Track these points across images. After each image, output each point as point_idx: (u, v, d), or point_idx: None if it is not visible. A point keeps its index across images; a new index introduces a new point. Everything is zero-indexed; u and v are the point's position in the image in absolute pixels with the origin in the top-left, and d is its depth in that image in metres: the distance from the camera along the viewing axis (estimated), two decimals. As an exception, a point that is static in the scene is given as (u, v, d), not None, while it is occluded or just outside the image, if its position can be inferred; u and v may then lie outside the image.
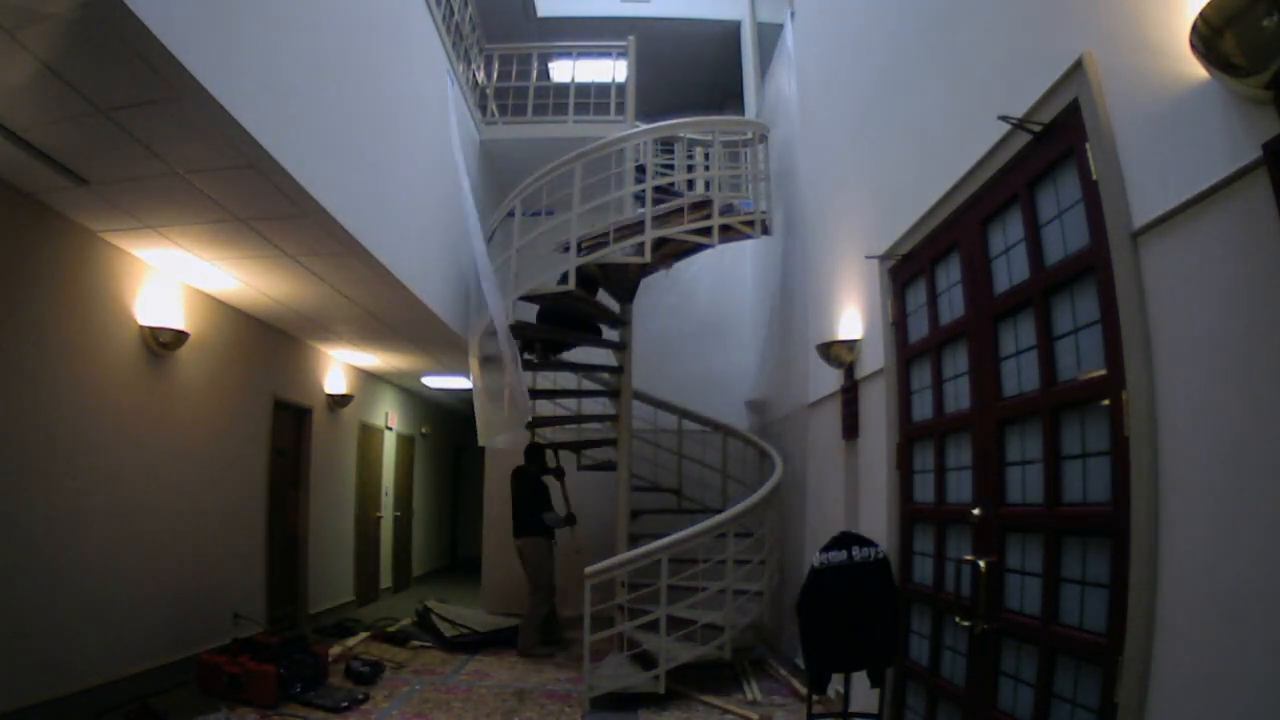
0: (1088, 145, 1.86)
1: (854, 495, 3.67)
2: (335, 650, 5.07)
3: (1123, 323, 1.73)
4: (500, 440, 5.24)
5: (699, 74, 8.34)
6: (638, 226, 4.89)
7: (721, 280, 7.17)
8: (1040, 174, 2.13)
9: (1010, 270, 2.32)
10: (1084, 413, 1.95)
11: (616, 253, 4.92)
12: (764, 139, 5.47)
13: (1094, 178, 1.84)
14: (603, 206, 4.91)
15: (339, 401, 7.18)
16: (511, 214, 4.99)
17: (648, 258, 4.87)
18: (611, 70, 6.60)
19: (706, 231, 4.95)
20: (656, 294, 6.42)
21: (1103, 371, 1.84)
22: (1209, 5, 1.32)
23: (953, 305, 2.70)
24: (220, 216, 3.66)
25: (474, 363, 5.03)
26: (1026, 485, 2.20)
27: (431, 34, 5.22)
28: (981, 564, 2.27)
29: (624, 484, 5.27)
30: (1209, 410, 1.51)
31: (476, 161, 6.33)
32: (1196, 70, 1.46)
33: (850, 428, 3.70)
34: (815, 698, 2.88)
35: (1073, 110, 1.92)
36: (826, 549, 2.68)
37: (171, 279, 4.51)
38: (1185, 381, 1.58)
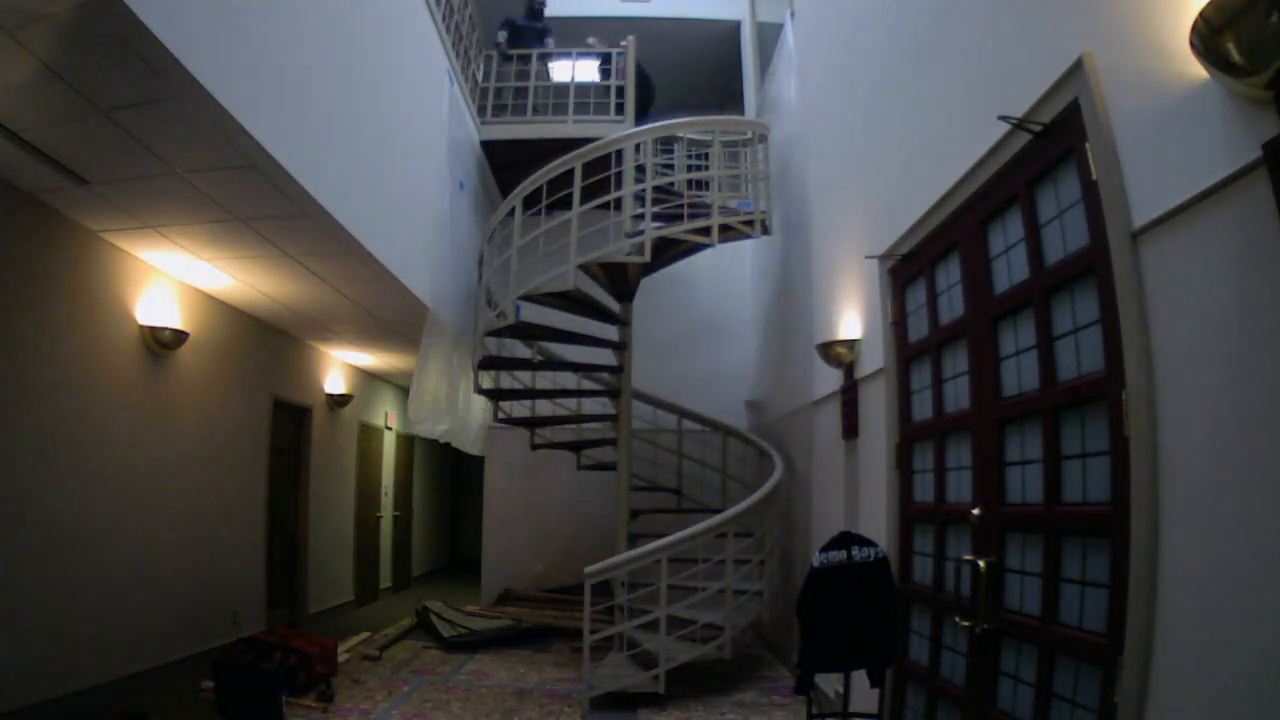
0: (1088, 145, 1.86)
1: (854, 495, 3.67)
2: (343, 648, 5.08)
3: (1123, 323, 1.73)
4: (423, 429, 5.31)
5: (699, 74, 8.33)
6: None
7: (721, 280, 7.17)
8: (1040, 174, 2.13)
9: (1010, 270, 2.32)
10: (1084, 413, 1.95)
11: (617, 252, 4.93)
12: (764, 139, 5.47)
13: (1094, 178, 1.84)
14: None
15: (339, 401, 7.19)
16: (511, 214, 4.99)
17: (647, 257, 4.87)
18: (612, 70, 6.60)
19: (706, 231, 4.95)
20: (656, 294, 6.41)
21: (1102, 371, 1.84)
22: (1209, 5, 1.32)
23: (952, 305, 2.70)
24: (220, 216, 3.66)
25: (427, 348, 5.19)
26: (1026, 485, 2.20)
27: (431, 34, 5.22)
28: (981, 564, 2.27)
29: (624, 484, 5.27)
30: (1209, 410, 1.51)
31: (476, 161, 6.33)
32: (1196, 70, 1.46)
33: (850, 427, 3.70)
34: (813, 696, 2.88)
35: (1073, 110, 1.92)
36: (826, 549, 2.68)
37: (171, 279, 4.51)
38: (1185, 381, 1.58)
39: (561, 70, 6.81)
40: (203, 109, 2.66)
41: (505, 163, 6.59)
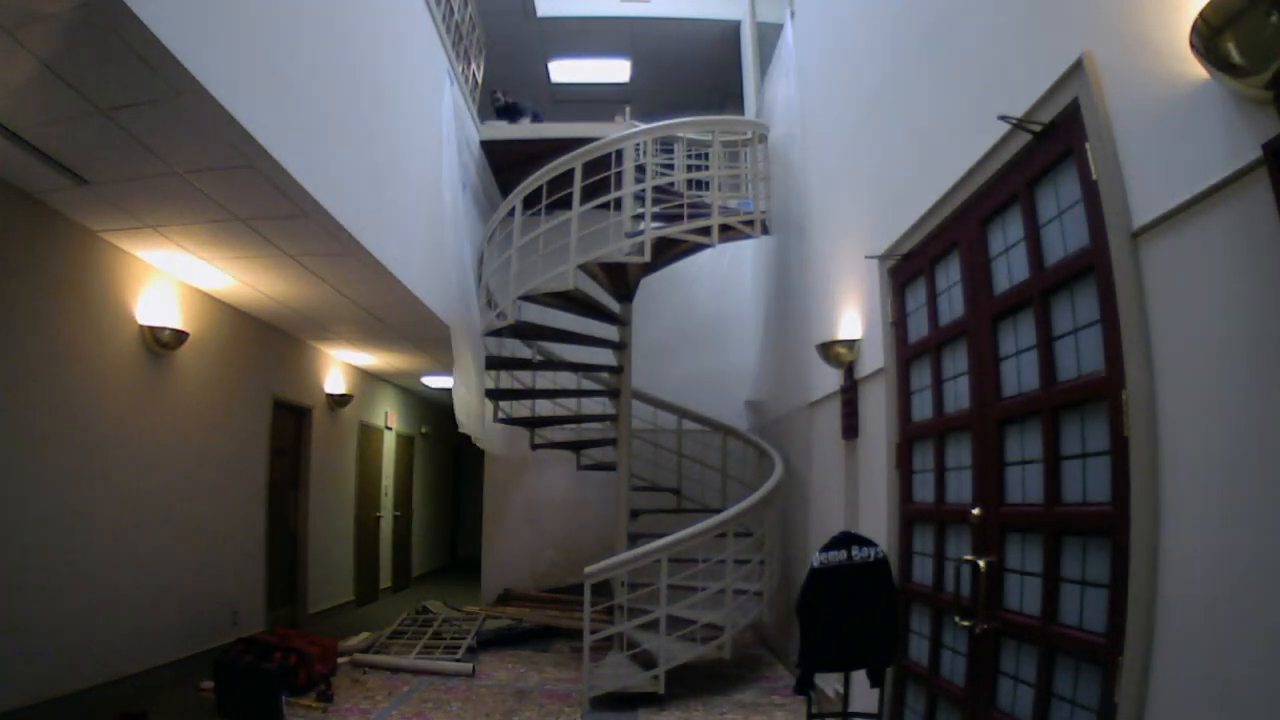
0: (1088, 145, 1.85)
1: (854, 495, 3.67)
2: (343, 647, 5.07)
3: (1123, 323, 1.73)
4: (471, 428, 5.22)
5: (699, 74, 8.33)
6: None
7: (721, 280, 7.16)
8: (1040, 174, 2.13)
9: (1010, 270, 2.32)
10: (1084, 413, 1.95)
11: (616, 252, 4.93)
12: (764, 139, 5.47)
13: (1094, 177, 1.84)
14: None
15: (339, 401, 7.18)
16: (511, 214, 4.99)
17: (647, 257, 4.87)
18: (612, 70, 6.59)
19: (706, 231, 4.95)
20: (656, 294, 6.41)
21: (1103, 371, 1.84)
22: (1209, 5, 1.32)
23: (952, 305, 2.70)
24: (220, 216, 3.66)
25: (458, 356, 5.07)
26: (1026, 485, 2.20)
27: (431, 34, 5.22)
28: (981, 564, 2.27)
29: (624, 484, 5.27)
30: (1209, 410, 1.51)
31: (476, 161, 6.33)
32: (1196, 70, 1.46)
33: (850, 427, 3.70)
34: (813, 696, 2.88)
35: (1073, 110, 1.92)
36: (826, 549, 2.68)
37: (171, 279, 4.51)
38: (1185, 381, 1.58)
39: (562, 70, 6.81)
40: (203, 109, 2.66)
41: (505, 163, 6.58)
